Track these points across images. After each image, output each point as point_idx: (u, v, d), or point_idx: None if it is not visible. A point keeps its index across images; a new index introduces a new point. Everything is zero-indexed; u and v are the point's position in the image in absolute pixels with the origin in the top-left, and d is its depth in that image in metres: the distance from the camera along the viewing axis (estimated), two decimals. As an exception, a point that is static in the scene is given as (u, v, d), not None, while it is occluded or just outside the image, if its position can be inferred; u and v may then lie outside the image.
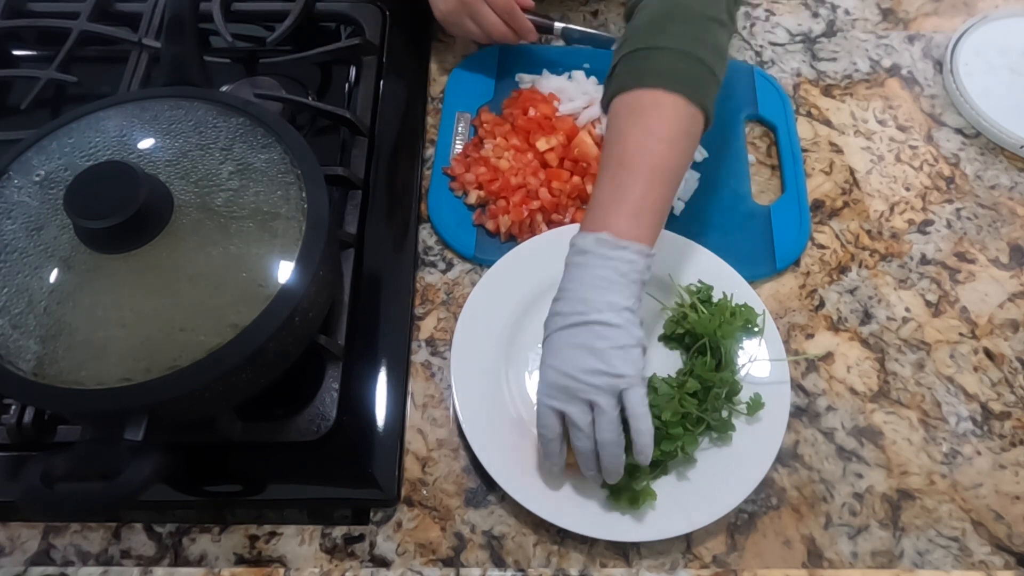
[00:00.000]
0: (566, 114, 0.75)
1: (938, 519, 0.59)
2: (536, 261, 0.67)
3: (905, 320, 0.68)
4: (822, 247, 0.72)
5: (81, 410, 0.50)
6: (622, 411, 0.53)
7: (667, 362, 0.64)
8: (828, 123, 0.80)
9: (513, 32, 0.77)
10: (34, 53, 0.84)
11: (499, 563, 0.57)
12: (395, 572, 0.57)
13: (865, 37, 0.87)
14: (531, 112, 0.75)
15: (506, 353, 0.64)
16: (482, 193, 0.72)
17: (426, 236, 0.72)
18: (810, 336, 0.67)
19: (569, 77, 0.80)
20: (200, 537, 0.58)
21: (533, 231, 0.70)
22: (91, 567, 0.57)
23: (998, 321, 0.69)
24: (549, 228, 0.70)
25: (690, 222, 0.72)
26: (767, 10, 0.89)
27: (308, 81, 0.80)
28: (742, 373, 0.62)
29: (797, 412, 0.64)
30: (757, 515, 0.59)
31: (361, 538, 0.58)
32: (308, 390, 0.61)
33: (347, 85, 0.80)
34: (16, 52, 0.84)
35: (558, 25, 0.79)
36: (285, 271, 0.52)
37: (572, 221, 0.71)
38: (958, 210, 0.75)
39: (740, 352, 0.63)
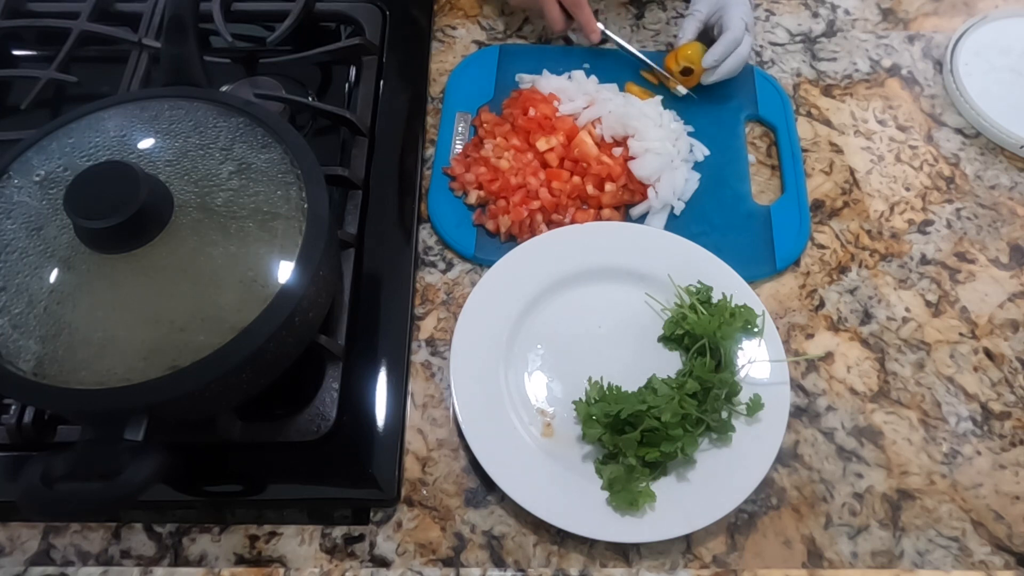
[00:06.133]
0: (566, 114, 0.75)
1: (938, 519, 0.59)
2: (536, 261, 0.67)
3: (905, 320, 0.68)
4: (822, 247, 0.72)
5: (81, 410, 0.50)
6: None
7: (667, 363, 0.64)
8: (828, 123, 0.80)
9: (567, 23, 0.79)
10: (34, 53, 0.84)
11: (499, 563, 0.57)
12: (395, 572, 0.57)
13: (865, 37, 0.87)
14: (531, 112, 0.75)
15: (506, 353, 0.64)
16: (482, 193, 0.72)
17: (426, 236, 0.72)
18: (810, 336, 0.67)
19: (569, 77, 0.80)
20: (200, 537, 0.58)
21: (533, 231, 0.70)
22: (91, 567, 0.57)
23: (998, 321, 0.69)
24: (549, 228, 0.70)
25: (690, 222, 0.72)
26: (767, 10, 0.89)
27: (308, 81, 0.80)
28: (742, 374, 0.62)
29: (797, 412, 0.64)
30: (757, 515, 0.59)
31: (361, 538, 0.58)
32: (308, 390, 0.61)
33: (347, 85, 0.80)
34: (16, 52, 0.84)
35: (600, 26, 0.80)
36: (285, 271, 0.52)
37: (572, 221, 0.71)
38: (958, 210, 0.75)
39: (740, 353, 0.63)
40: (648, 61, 0.79)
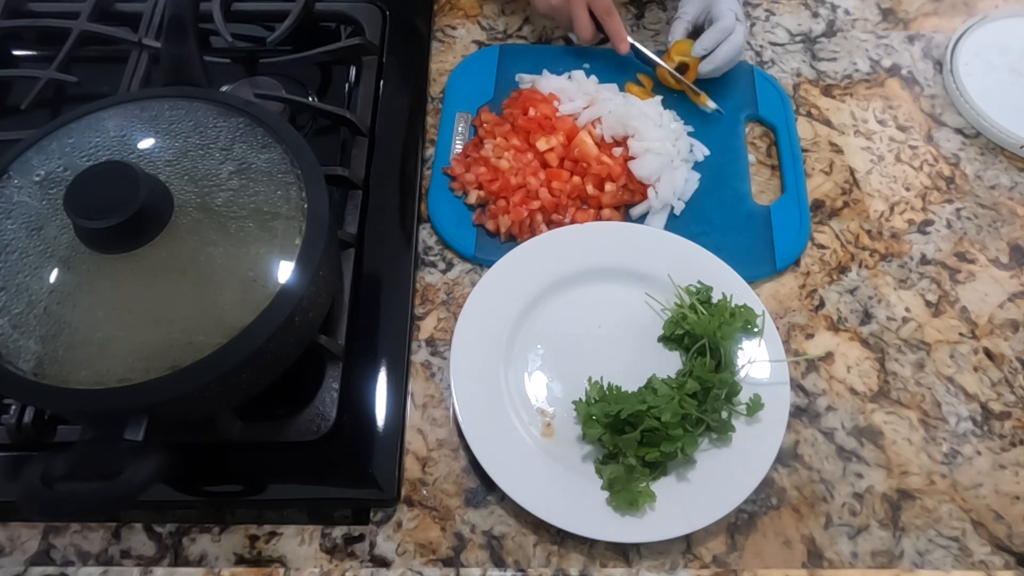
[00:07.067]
0: (566, 114, 0.75)
1: (938, 519, 0.59)
2: (536, 261, 0.67)
3: (905, 320, 0.68)
4: (822, 247, 0.72)
5: (81, 410, 0.50)
6: None
7: (667, 363, 0.64)
8: (828, 123, 0.80)
9: (596, 34, 0.79)
10: (34, 53, 0.84)
11: (499, 563, 0.57)
12: (395, 572, 0.57)
13: (865, 37, 0.87)
14: (531, 112, 0.75)
15: (506, 353, 0.64)
16: (482, 193, 0.72)
17: (426, 236, 0.72)
18: (810, 336, 0.67)
19: (569, 77, 0.80)
20: (200, 537, 0.58)
21: (533, 231, 0.70)
22: (91, 567, 0.57)
23: (998, 321, 0.69)
24: (549, 228, 0.70)
25: (690, 222, 0.72)
26: (767, 10, 0.89)
27: (308, 81, 0.80)
28: (742, 374, 0.62)
29: (797, 412, 0.64)
30: (757, 515, 0.59)
31: (361, 538, 0.58)
32: (308, 390, 0.61)
33: (347, 85, 0.80)
34: (16, 52, 0.84)
35: (630, 40, 0.79)
36: (285, 271, 0.52)
37: (572, 221, 0.71)
38: (958, 210, 0.75)
39: (740, 353, 0.63)
40: (676, 74, 0.78)
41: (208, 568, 0.56)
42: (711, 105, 0.78)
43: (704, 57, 0.77)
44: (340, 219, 0.69)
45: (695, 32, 0.79)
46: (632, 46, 0.79)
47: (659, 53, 0.79)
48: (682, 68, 0.78)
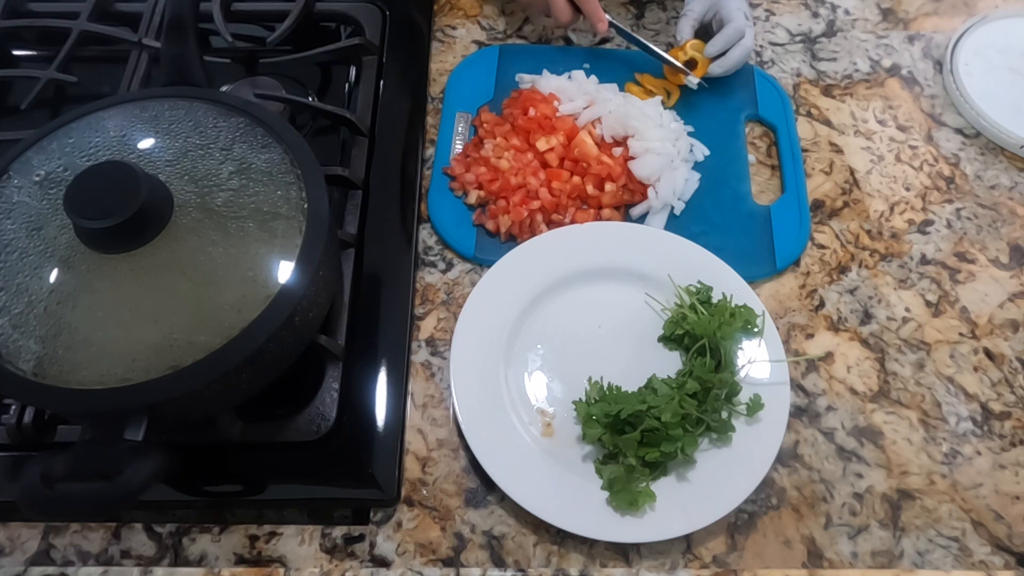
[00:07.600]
0: (566, 114, 0.75)
1: (938, 519, 0.59)
2: (536, 261, 0.67)
3: (905, 320, 0.68)
4: (822, 247, 0.72)
5: (81, 410, 0.50)
6: None
7: (667, 363, 0.64)
8: (828, 123, 0.80)
9: (574, 15, 0.78)
10: (34, 53, 0.84)
11: (499, 563, 0.57)
12: (395, 572, 0.57)
13: (865, 37, 0.87)
14: (531, 112, 0.75)
15: (506, 353, 0.64)
16: (482, 193, 0.72)
17: (426, 236, 0.72)
18: (810, 336, 0.67)
19: (569, 77, 0.80)
20: (200, 537, 0.58)
21: (533, 231, 0.70)
22: (91, 567, 0.57)
23: (998, 321, 0.69)
24: (549, 228, 0.70)
25: (690, 222, 0.72)
26: (767, 10, 0.89)
27: (308, 81, 0.80)
28: (742, 374, 0.62)
29: (797, 412, 0.64)
30: (757, 515, 0.59)
31: (361, 538, 0.58)
32: (308, 390, 0.61)
33: (347, 85, 0.80)
34: (16, 52, 0.84)
35: (607, 17, 0.79)
36: (285, 271, 0.52)
37: (572, 221, 0.71)
38: (958, 210, 0.75)
39: (740, 353, 0.63)
40: (657, 50, 0.78)
41: (208, 568, 0.56)
42: (694, 80, 0.78)
43: (716, 58, 0.77)
44: (340, 219, 0.69)
45: (700, 28, 0.79)
46: (612, 24, 0.78)
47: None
48: (691, 64, 0.78)
